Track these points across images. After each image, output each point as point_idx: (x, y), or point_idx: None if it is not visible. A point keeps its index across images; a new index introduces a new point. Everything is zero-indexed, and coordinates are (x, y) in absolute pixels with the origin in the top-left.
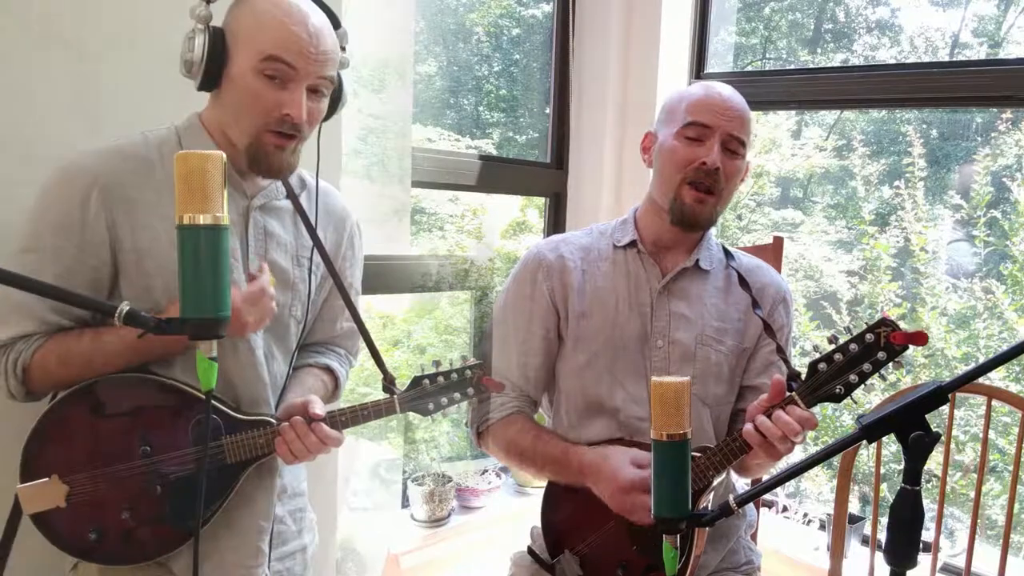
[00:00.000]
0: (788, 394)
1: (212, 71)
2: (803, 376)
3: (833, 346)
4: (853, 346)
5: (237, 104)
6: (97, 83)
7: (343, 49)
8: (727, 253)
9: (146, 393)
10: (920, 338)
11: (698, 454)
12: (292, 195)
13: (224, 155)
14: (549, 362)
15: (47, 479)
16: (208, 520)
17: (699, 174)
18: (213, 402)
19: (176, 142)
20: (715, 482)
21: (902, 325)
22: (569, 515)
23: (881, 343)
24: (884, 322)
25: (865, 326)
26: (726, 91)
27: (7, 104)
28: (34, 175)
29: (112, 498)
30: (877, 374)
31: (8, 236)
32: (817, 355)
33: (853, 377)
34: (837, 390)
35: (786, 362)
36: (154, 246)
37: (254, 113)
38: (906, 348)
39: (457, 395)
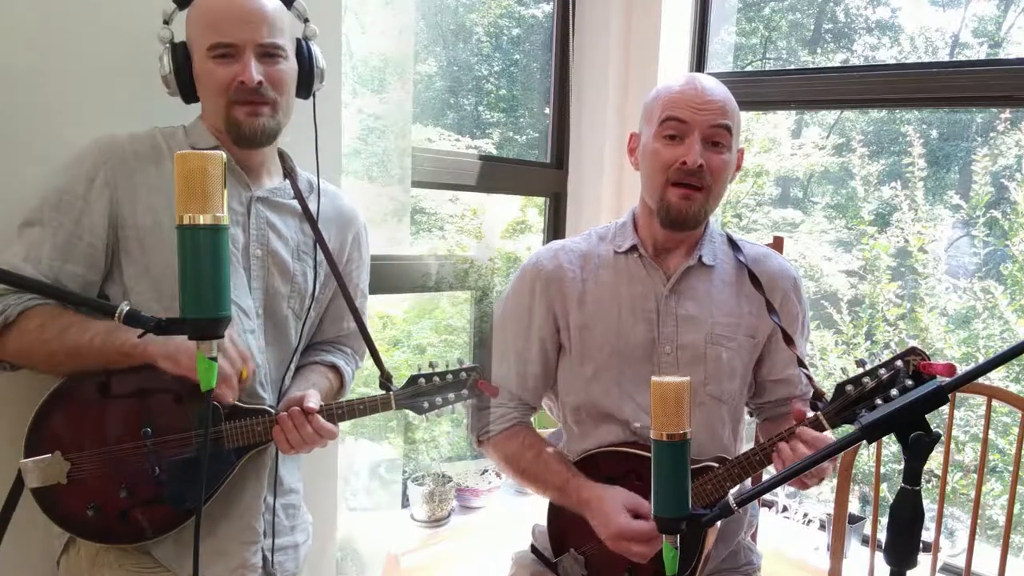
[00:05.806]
0: (813, 413)
1: (184, 81)
2: (828, 396)
3: (861, 369)
4: (883, 371)
5: (206, 93)
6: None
7: (307, 21)
8: (732, 244)
9: (152, 376)
10: (949, 370)
11: (715, 464)
12: (299, 195)
13: (224, 155)
14: (548, 371)
15: (50, 455)
16: (205, 502)
17: (681, 174)
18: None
19: (183, 135)
20: (732, 492)
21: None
22: (577, 514)
23: (910, 371)
24: (914, 351)
25: (895, 352)
26: (702, 82)
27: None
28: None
29: (111, 477)
30: None
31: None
32: (844, 376)
33: (879, 402)
34: (863, 413)
35: (805, 371)
36: (156, 226)
37: (216, 92)
38: (934, 378)
39: (452, 395)
